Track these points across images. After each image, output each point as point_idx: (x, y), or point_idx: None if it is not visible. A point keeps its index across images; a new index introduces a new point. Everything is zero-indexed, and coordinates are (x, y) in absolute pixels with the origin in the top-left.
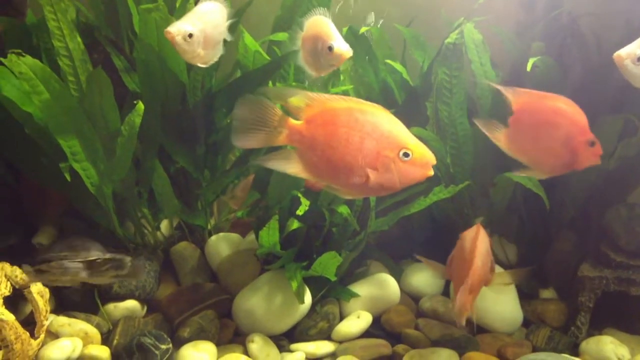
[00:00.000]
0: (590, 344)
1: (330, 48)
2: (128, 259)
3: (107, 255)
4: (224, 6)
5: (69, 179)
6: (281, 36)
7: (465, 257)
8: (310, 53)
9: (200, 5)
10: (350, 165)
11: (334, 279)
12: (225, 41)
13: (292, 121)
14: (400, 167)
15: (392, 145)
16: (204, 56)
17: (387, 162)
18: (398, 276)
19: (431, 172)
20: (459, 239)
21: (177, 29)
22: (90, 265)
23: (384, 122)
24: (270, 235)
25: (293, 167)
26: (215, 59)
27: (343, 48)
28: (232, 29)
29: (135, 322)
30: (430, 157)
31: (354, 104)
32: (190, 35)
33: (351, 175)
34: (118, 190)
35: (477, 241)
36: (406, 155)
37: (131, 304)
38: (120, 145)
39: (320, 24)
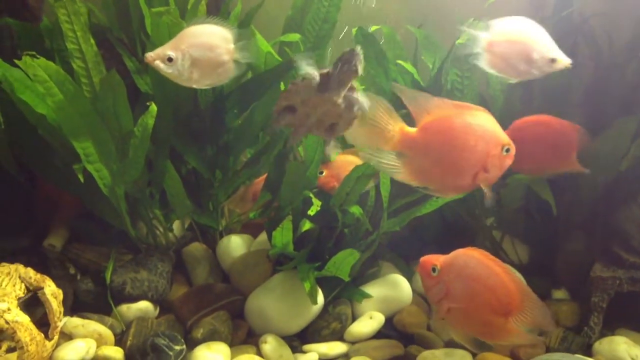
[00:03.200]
0: (604, 345)
1: (553, 60)
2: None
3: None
4: (226, 27)
5: (82, 180)
6: (292, 37)
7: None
8: (510, 59)
9: (189, 28)
10: (463, 169)
11: (347, 279)
12: (238, 62)
13: (406, 128)
14: (502, 162)
15: (497, 143)
16: (201, 79)
17: (494, 160)
18: (409, 277)
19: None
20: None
21: (156, 53)
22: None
23: (488, 123)
24: (283, 236)
25: (402, 174)
26: (224, 81)
27: (566, 60)
28: (248, 49)
29: (148, 323)
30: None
31: (465, 108)
32: (170, 59)
33: (461, 178)
34: (130, 192)
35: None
36: (507, 150)
37: (144, 305)
38: (133, 147)
39: (529, 29)
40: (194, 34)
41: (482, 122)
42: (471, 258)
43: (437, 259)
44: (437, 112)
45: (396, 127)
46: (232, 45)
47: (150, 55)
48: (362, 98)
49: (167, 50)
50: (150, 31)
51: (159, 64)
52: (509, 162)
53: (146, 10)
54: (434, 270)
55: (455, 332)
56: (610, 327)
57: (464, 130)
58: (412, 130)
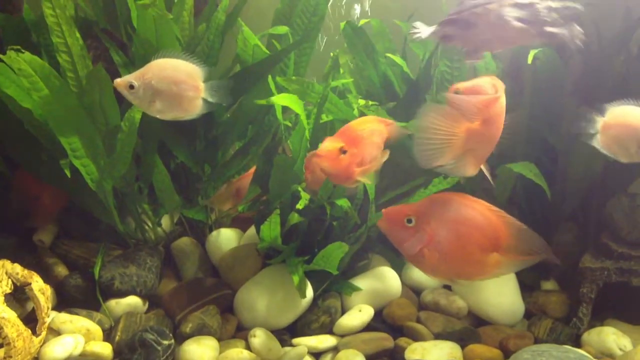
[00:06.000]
0: (592, 335)
1: None
2: None
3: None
4: (196, 64)
5: (69, 175)
6: (281, 29)
7: None
8: (623, 142)
9: (159, 59)
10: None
11: (336, 272)
12: (207, 101)
13: (470, 124)
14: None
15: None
16: (164, 110)
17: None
18: (399, 269)
19: None
20: None
21: (123, 79)
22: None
23: None
24: (271, 230)
25: (471, 170)
26: (190, 116)
27: None
28: (219, 90)
29: (137, 318)
30: None
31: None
32: (132, 87)
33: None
34: (118, 186)
35: None
36: None
37: (133, 300)
38: (121, 141)
39: None
40: (161, 67)
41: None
42: (451, 201)
43: (408, 209)
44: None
45: (462, 127)
46: (200, 83)
47: (116, 81)
48: None
49: (131, 77)
50: (136, 24)
51: (123, 90)
52: None
53: (132, 2)
54: (409, 221)
55: (438, 278)
56: (599, 318)
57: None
58: (475, 125)
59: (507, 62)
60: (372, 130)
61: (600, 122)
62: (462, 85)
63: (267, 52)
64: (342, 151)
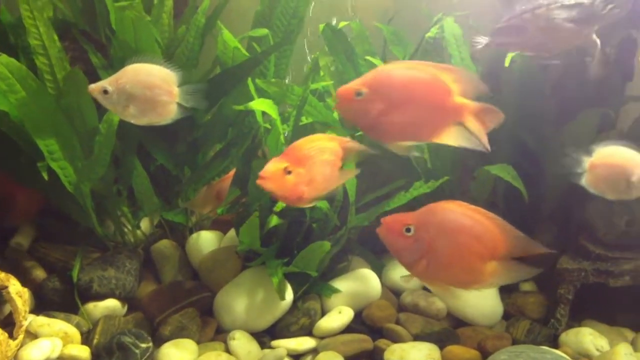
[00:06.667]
0: (570, 336)
1: None
2: None
3: None
4: (170, 69)
5: (46, 178)
6: (260, 32)
7: None
8: (612, 180)
9: (133, 64)
10: None
11: (315, 274)
12: (183, 106)
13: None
14: None
15: None
16: (138, 115)
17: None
18: (379, 271)
19: None
20: None
21: (97, 84)
22: None
23: None
24: (250, 232)
25: (468, 141)
26: (165, 121)
27: None
28: (194, 94)
29: (115, 321)
30: None
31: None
32: (106, 92)
33: None
34: (97, 189)
35: None
36: None
37: (111, 303)
38: (99, 144)
39: (629, 154)
40: (136, 71)
41: None
42: (449, 210)
43: (407, 218)
44: None
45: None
46: (174, 88)
47: (90, 87)
48: None
49: (105, 83)
50: (114, 26)
51: (97, 95)
52: None
53: (111, 4)
54: (408, 230)
55: (434, 287)
56: (577, 319)
57: None
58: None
59: (486, 64)
60: (321, 149)
61: (587, 162)
62: None
63: (247, 54)
64: (287, 171)
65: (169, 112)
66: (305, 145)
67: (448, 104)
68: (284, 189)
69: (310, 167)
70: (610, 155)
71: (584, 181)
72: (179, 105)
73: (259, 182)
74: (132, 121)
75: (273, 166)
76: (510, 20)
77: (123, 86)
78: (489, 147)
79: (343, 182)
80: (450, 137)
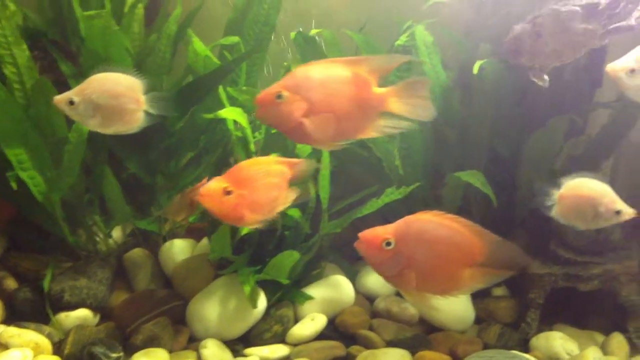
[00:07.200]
0: (540, 340)
1: (618, 212)
2: None
3: None
4: (136, 77)
5: (15, 187)
6: (231, 40)
7: None
8: (580, 210)
9: (98, 74)
10: None
11: (286, 282)
12: (150, 114)
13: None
14: None
15: None
16: (105, 124)
17: None
18: (353, 277)
19: None
20: None
21: (62, 95)
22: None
23: None
24: (221, 240)
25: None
26: (132, 129)
27: (630, 211)
28: (160, 102)
29: (87, 331)
30: None
31: None
32: (72, 102)
33: None
34: (67, 198)
35: None
36: None
37: (83, 312)
38: (68, 153)
39: (597, 187)
40: (101, 81)
41: None
42: (427, 221)
43: (386, 232)
44: None
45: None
46: (141, 95)
47: (55, 99)
48: None
49: (70, 93)
50: (84, 35)
51: (64, 106)
52: None
53: (80, 13)
54: (388, 244)
55: (413, 298)
56: (548, 323)
57: None
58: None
59: (457, 72)
60: (266, 172)
61: (556, 194)
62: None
63: (218, 62)
64: (227, 192)
65: (136, 121)
66: (250, 167)
67: (368, 96)
68: (223, 208)
69: (253, 189)
70: (578, 187)
71: (554, 212)
72: (146, 113)
73: (198, 198)
74: (99, 131)
75: (213, 185)
76: (522, 27)
77: (89, 96)
78: (434, 113)
79: (290, 205)
80: (378, 129)
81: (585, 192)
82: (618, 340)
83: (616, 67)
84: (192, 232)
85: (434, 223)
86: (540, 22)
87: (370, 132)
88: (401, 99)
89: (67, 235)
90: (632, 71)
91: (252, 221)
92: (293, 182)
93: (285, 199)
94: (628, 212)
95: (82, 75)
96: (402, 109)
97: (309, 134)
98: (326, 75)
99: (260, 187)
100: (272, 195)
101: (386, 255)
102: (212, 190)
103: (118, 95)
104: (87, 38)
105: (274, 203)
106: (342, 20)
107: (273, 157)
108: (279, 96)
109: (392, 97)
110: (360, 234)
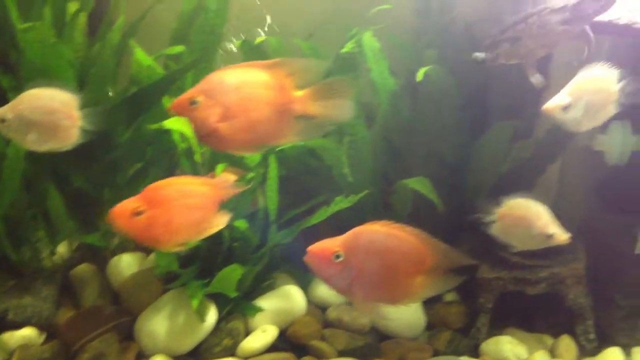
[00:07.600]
0: (490, 345)
1: (549, 236)
2: None
3: None
4: (68, 92)
5: None
6: (176, 49)
7: None
8: (516, 230)
9: (31, 90)
10: None
11: (233, 294)
12: (86, 131)
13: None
14: None
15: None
16: (39, 141)
17: None
18: (306, 286)
19: None
20: None
21: None
22: None
23: None
24: (166, 254)
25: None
26: (67, 146)
27: (563, 236)
28: (96, 116)
29: (31, 351)
30: None
31: None
32: (3, 120)
33: None
34: (9, 214)
35: None
36: None
37: (27, 331)
38: (7, 169)
39: (533, 208)
40: (34, 97)
41: None
42: (375, 232)
43: (334, 245)
44: None
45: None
46: (75, 111)
47: None
48: None
49: (2, 110)
50: (22, 47)
51: None
52: None
53: (18, 25)
54: (337, 256)
55: (364, 308)
56: (499, 327)
57: None
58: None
59: (404, 78)
60: (185, 192)
61: (497, 212)
62: None
63: (162, 72)
64: (137, 212)
65: (71, 137)
66: (166, 186)
67: (286, 100)
68: (133, 229)
69: (169, 210)
70: (517, 207)
71: (493, 229)
72: (82, 129)
73: (108, 220)
74: (33, 148)
75: (122, 205)
76: (504, 33)
77: (21, 112)
78: (352, 112)
79: (222, 227)
80: (298, 133)
81: (522, 212)
82: (566, 343)
83: (550, 106)
84: (144, 246)
85: (382, 233)
86: (521, 29)
87: (291, 137)
88: (319, 100)
89: (10, 252)
90: (565, 108)
91: (170, 243)
92: (230, 199)
93: (215, 221)
94: (561, 236)
95: (20, 88)
96: (321, 111)
97: (225, 139)
98: (242, 79)
99: (176, 207)
100: (194, 217)
101: (336, 269)
102: (120, 211)
103: (52, 111)
104: (25, 50)
105: (198, 225)
106: (297, 27)
107: (198, 178)
108: (193, 102)
109: (309, 99)
110: (309, 248)
